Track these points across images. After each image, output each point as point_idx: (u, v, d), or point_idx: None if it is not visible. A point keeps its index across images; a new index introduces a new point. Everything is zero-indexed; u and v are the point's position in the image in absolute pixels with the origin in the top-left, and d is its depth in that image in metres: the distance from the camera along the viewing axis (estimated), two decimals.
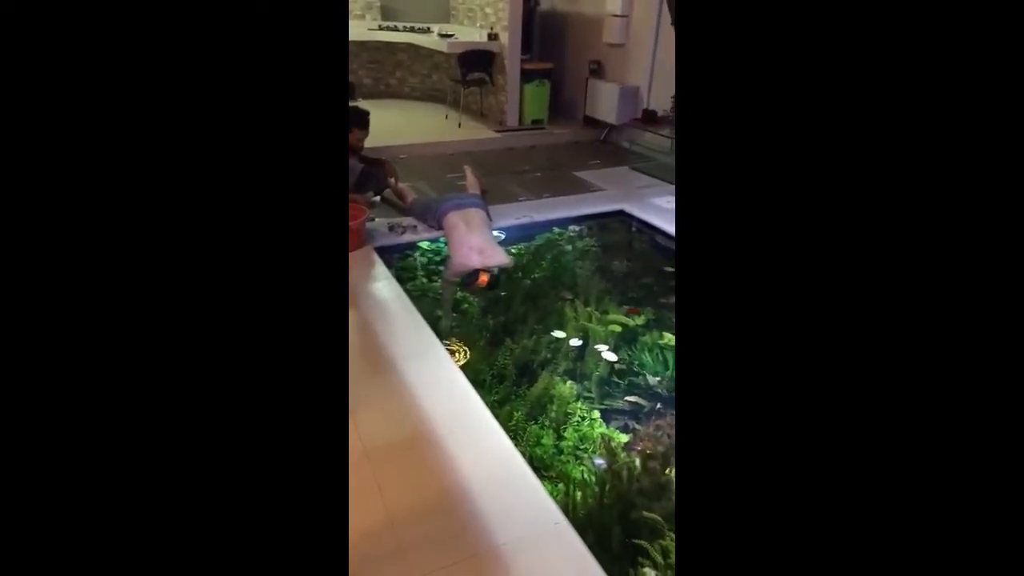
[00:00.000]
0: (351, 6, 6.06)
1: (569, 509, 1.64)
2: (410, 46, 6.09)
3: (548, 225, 3.54)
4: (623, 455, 1.90)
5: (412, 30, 5.84)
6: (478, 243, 2.84)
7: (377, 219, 3.28)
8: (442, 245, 3.14)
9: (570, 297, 2.81)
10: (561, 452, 1.98)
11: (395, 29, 5.90)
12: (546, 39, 5.95)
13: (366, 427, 1.78)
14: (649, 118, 4.87)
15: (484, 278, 2.66)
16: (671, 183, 4.03)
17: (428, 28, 5.84)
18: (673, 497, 1.67)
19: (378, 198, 3.52)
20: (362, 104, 3.48)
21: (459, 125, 5.40)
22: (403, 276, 2.89)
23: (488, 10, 5.40)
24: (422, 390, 1.98)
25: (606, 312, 2.68)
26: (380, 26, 5.98)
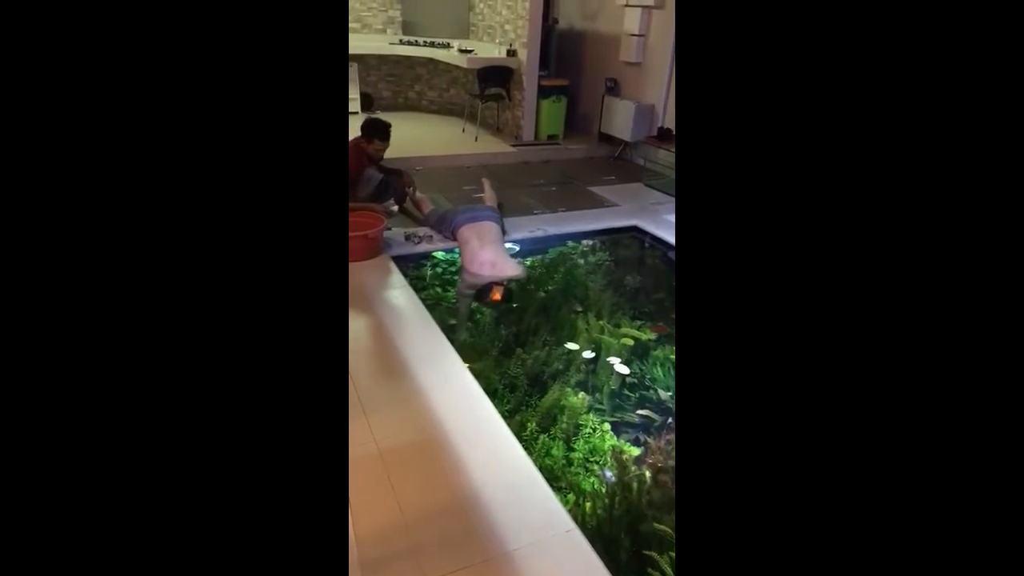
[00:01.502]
0: (373, 21, 6.20)
1: (578, 519, 1.65)
2: (429, 60, 6.20)
3: (562, 239, 3.58)
4: (633, 468, 1.91)
5: (432, 45, 5.95)
6: (490, 257, 2.88)
7: (394, 228, 3.34)
8: (456, 256, 3.18)
9: (580, 310, 2.83)
10: (571, 464, 1.99)
11: (415, 44, 6.02)
12: (563, 56, 6.04)
13: (381, 429, 1.81)
14: (664, 136, 4.92)
15: (497, 295, 2.70)
16: None
17: (448, 43, 5.95)
18: None
19: (396, 207, 3.58)
20: (380, 116, 3.55)
21: (475, 139, 5.48)
22: (418, 285, 2.93)
23: (507, 27, 5.50)
24: (436, 396, 2.01)
25: (618, 326, 2.71)
26: (401, 40, 6.11)
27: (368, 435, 1.78)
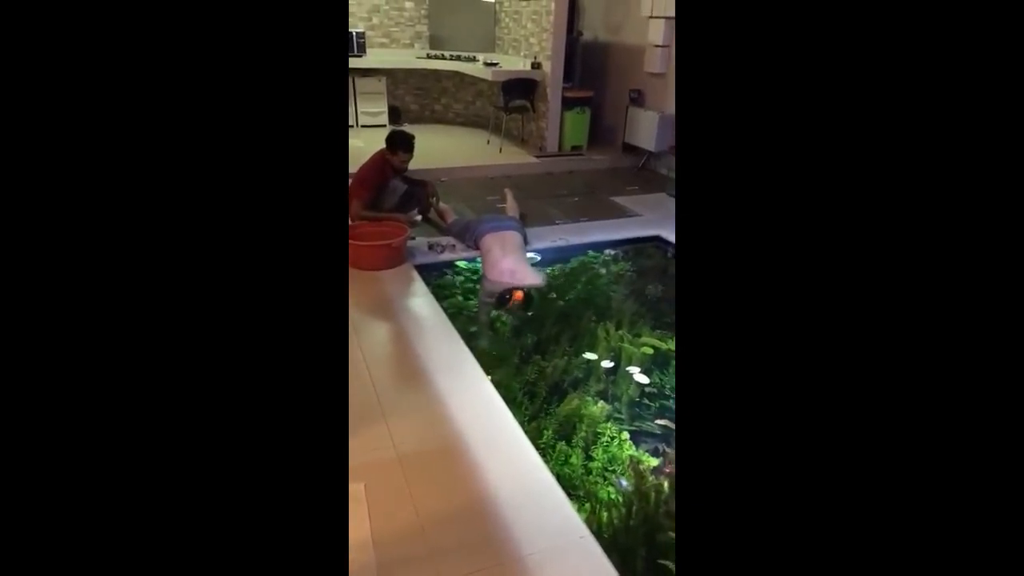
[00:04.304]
0: (401, 35, 6.34)
1: (595, 528, 1.65)
2: (456, 74, 6.31)
3: (583, 248, 3.59)
4: (651, 478, 1.90)
5: (458, 58, 6.06)
6: (510, 265, 2.91)
7: (418, 238, 3.39)
8: (478, 265, 3.22)
9: (594, 319, 2.83)
10: (590, 472, 1.99)
11: (442, 57, 6.13)
12: (588, 68, 6.07)
13: (400, 435, 1.84)
14: None
15: (519, 294, 2.72)
16: None
17: (474, 57, 6.04)
18: None
19: (420, 217, 3.64)
20: (407, 128, 3.63)
21: (500, 150, 5.54)
22: (440, 293, 2.97)
23: (532, 40, 5.57)
24: (455, 402, 2.03)
25: (639, 335, 2.70)
26: (428, 54, 6.23)
27: (388, 440, 1.82)
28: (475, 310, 2.92)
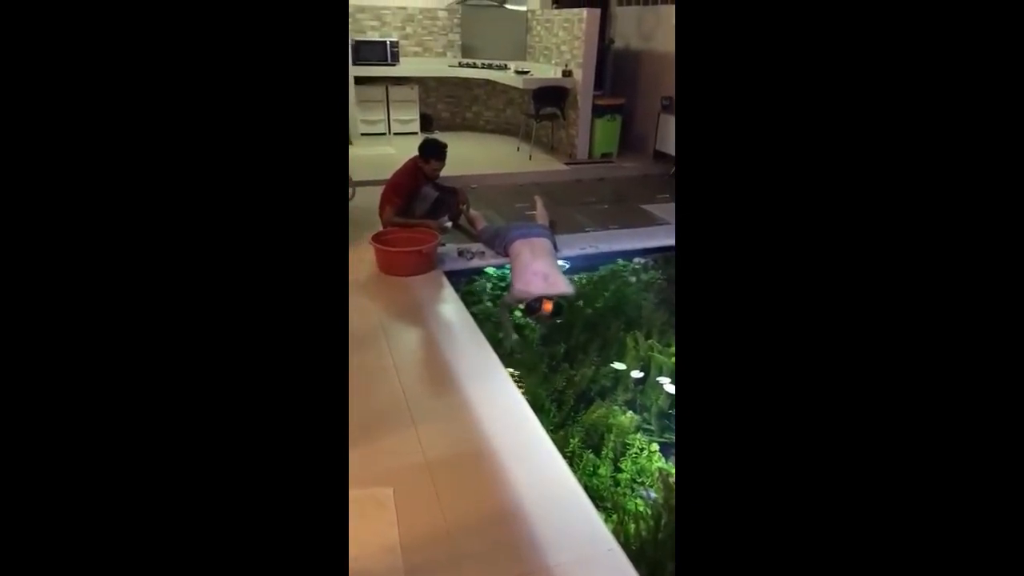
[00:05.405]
0: (433, 44, 6.43)
1: (622, 540, 1.63)
2: (487, 82, 6.37)
3: (612, 256, 3.56)
4: None
5: (490, 67, 6.12)
6: (542, 269, 2.90)
7: (448, 244, 3.43)
8: (507, 271, 3.23)
9: (624, 328, 2.80)
10: (618, 484, 1.97)
11: (474, 66, 6.20)
12: (619, 75, 6.06)
13: (428, 440, 1.86)
14: None
15: (548, 305, 2.71)
16: None
17: (505, 65, 6.09)
18: None
19: (450, 224, 3.68)
20: (439, 136, 3.68)
21: (530, 157, 5.56)
22: (469, 299, 2.99)
23: (564, 48, 5.59)
24: (483, 409, 2.04)
25: (669, 344, 2.66)
26: (460, 63, 6.31)
27: (416, 445, 1.83)
28: (497, 318, 2.92)
